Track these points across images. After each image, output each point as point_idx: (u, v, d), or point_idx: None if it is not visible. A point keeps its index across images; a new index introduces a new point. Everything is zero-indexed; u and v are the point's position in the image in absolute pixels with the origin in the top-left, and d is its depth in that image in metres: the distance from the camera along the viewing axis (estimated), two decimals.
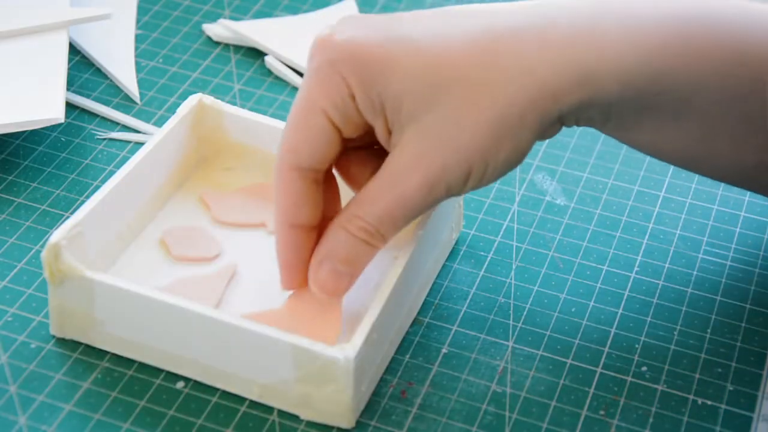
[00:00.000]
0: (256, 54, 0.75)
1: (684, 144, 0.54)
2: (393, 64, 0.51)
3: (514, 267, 0.62)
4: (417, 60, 0.51)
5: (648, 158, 0.69)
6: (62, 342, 0.57)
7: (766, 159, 0.54)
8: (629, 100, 0.52)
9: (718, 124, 0.53)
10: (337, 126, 0.52)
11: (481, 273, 0.61)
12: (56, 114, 0.65)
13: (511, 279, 0.61)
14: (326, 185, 0.55)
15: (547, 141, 0.69)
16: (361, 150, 0.55)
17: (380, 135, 0.53)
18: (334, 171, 0.56)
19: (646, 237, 0.64)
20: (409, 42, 0.52)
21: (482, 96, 0.51)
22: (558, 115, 0.52)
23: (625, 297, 0.60)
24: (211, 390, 0.55)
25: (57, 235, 0.54)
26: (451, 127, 0.51)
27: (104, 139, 0.69)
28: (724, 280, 0.61)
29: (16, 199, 0.64)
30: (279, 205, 0.54)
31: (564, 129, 0.69)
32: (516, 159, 0.53)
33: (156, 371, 0.55)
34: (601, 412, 0.55)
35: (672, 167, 0.68)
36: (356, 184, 0.55)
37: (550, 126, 0.53)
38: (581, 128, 0.70)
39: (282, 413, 0.54)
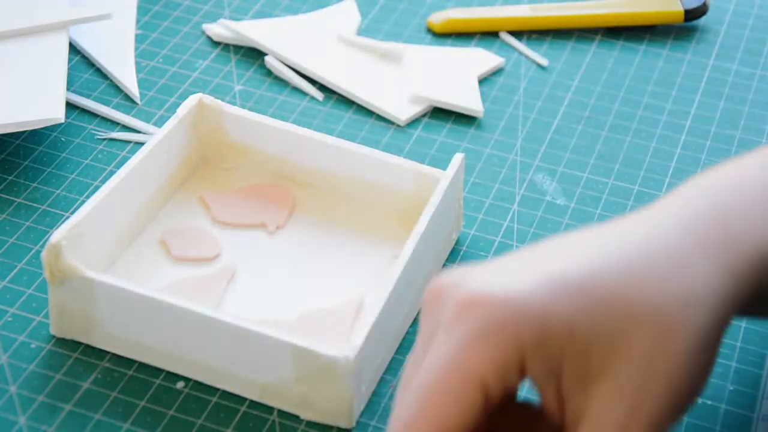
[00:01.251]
0: (256, 54, 0.75)
1: None
2: (571, 314, 0.43)
3: None
4: (592, 297, 0.43)
5: (648, 158, 0.69)
6: (62, 342, 0.57)
7: None
8: None
9: None
10: (487, 395, 0.43)
11: None
12: (56, 114, 0.65)
13: None
14: None
15: (547, 141, 0.69)
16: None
17: (548, 399, 0.44)
18: None
19: None
20: (570, 277, 0.43)
21: (680, 319, 0.43)
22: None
23: None
24: (211, 390, 0.55)
25: (57, 235, 0.54)
26: (657, 365, 0.43)
27: (104, 139, 0.69)
28: None
29: (16, 199, 0.64)
30: (417, 419, 0.43)
31: (564, 128, 0.69)
32: (712, 368, 0.46)
33: (156, 371, 0.55)
34: None
35: (671, 168, 0.68)
36: None
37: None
38: (582, 128, 0.70)
39: (282, 413, 0.54)
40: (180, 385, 0.55)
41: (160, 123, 0.69)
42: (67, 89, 0.71)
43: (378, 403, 0.55)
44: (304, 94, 0.72)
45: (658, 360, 0.42)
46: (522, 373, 0.43)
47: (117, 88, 0.72)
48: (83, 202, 0.63)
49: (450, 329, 0.43)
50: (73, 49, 0.75)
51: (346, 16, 0.78)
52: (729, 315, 0.44)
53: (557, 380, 0.43)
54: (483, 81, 0.74)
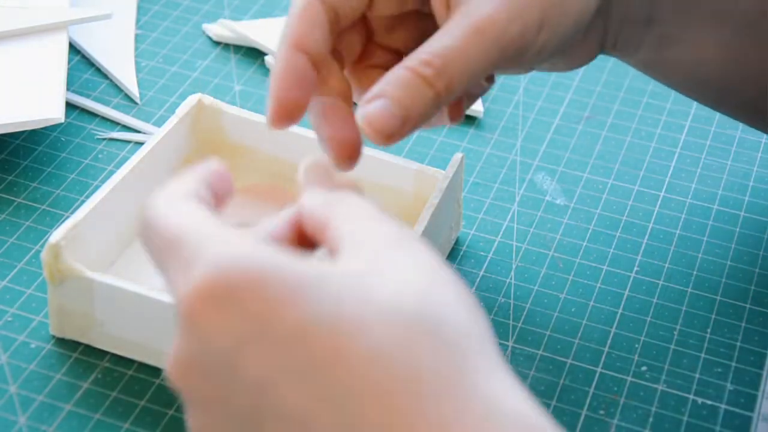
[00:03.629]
0: (256, 54, 0.75)
1: (721, 57, 0.54)
2: None
3: (514, 267, 0.62)
4: None
5: (648, 158, 0.69)
6: (62, 342, 0.57)
7: None
8: None
9: (753, 32, 0.53)
10: (339, 15, 0.49)
11: (481, 273, 0.61)
12: (56, 114, 0.65)
13: (511, 279, 0.61)
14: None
15: (547, 141, 0.69)
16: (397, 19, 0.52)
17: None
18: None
19: (646, 237, 0.64)
20: None
21: None
22: None
23: (625, 297, 0.60)
24: None
25: (57, 235, 0.54)
26: None
27: (104, 139, 0.69)
28: (724, 280, 0.61)
29: (16, 199, 0.64)
30: (286, 29, 0.49)
31: (564, 129, 0.69)
32: (583, 19, 0.51)
33: (156, 371, 0.55)
34: (601, 412, 0.55)
35: (672, 167, 0.68)
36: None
37: (602, 13, 0.52)
38: (582, 128, 0.70)
39: None
40: None
41: (159, 123, 0.69)
42: (67, 89, 0.71)
43: None
44: None
45: None
46: None
47: (117, 88, 0.72)
48: (83, 202, 0.63)
49: None
50: (73, 49, 0.75)
51: None
52: None
53: None
54: None
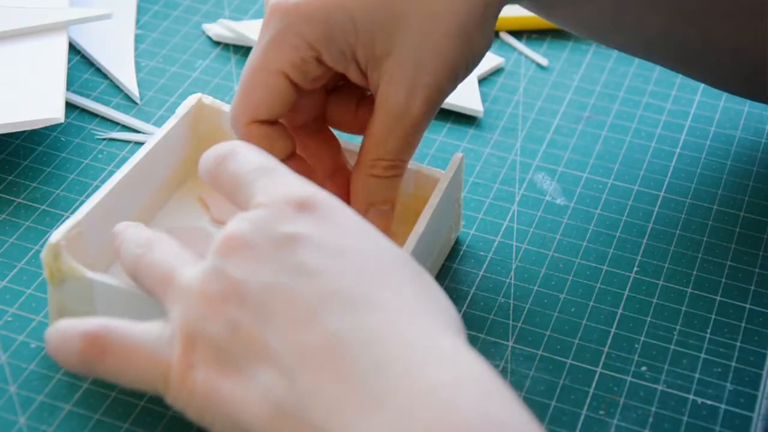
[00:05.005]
0: None
1: (598, 19, 0.61)
2: (352, 13, 0.54)
3: (514, 267, 0.62)
4: (370, 2, 0.54)
5: (648, 158, 0.69)
6: None
7: (669, 29, 0.61)
8: None
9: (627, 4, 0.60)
10: (295, 83, 0.55)
11: (481, 273, 0.61)
12: (56, 114, 0.65)
13: (511, 279, 0.61)
14: (323, 136, 0.59)
15: (547, 141, 0.69)
16: (334, 94, 0.59)
17: (355, 77, 0.56)
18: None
19: (646, 237, 0.64)
20: None
21: (443, 10, 0.54)
22: None
23: (625, 297, 0.60)
24: None
25: (57, 235, 0.54)
26: (428, 46, 0.54)
27: (104, 139, 0.69)
28: (724, 280, 0.61)
29: (16, 199, 0.64)
30: (238, 105, 0.57)
31: (564, 128, 0.69)
32: (489, 44, 0.56)
33: None
34: (601, 412, 0.55)
35: (671, 168, 0.68)
36: (343, 125, 0.59)
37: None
38: (582, 128, 0.70)
39: None
40: None
41: (159, 123, 0.69)
42: (67, 89, 0.71)
43: None
44: None
45: (428, 39, 0.54)
46: (322, 64, 0.55)
47: (117, 88, 0.72)
48: (83, 202, 0.63)
49: (261, 33, 0.56)
50: (73, 49, 0.75)
51: None
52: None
53: (356, 66, 0.55)
54: (483, 81, 0.74)
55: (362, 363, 0.43)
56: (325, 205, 0.48)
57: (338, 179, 0.59)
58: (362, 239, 0.47)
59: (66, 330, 0.49)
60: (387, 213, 0.57)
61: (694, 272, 0.62)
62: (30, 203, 0.64)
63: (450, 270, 0.61)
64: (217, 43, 0.76)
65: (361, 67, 0.55)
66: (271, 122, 0.56)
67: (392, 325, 0.44)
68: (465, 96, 0.71)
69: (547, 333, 0.58)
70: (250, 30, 0.75)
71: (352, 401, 0.43)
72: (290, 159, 0.57)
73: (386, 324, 0.44)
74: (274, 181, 0.49)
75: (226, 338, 0.46)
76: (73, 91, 0.72)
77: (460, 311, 0.59)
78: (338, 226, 0.47)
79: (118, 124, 0.70)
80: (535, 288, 0.61)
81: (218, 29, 0.76)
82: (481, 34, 0.55)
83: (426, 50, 0.54)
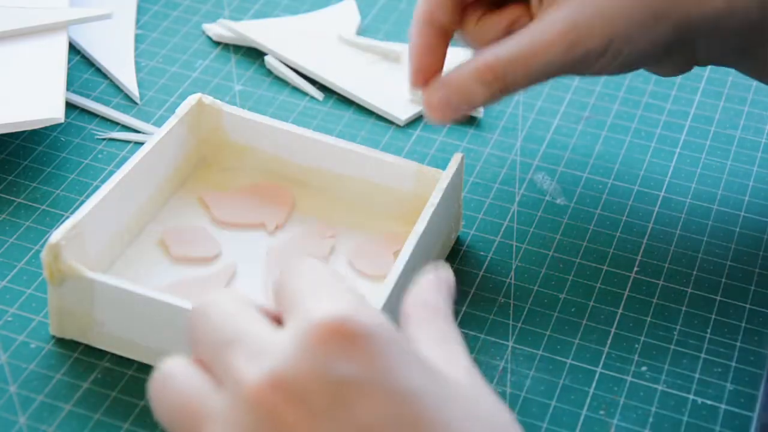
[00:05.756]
0: (256, 54, 0.75)
1: None
2: None
3: (514, 267, 0.62)
4: None
5: (648, 158, 0.69)
6: (62, 342, 0.57)
7: None
8: None
9: None
10: None
11: (481, 273, 0.61)
12: (56, 114, 0.65)
13: (511, 279, 0.61)
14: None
15: (547, 141, 0.69)
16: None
17: None
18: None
19: (646, 237, 0.64)
20: None
21: None
22: (694, 26, 0.55)
23: (625, 297, 0.60)
24: None
25: (57, 235, 0.54)
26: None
27: (104, 139, 0.69)
28: (724, 280, 0.61)
29: (16, 199, 0.64)
30: (418, 7, 0.58)
31: (564, 129, 0.69)
32: (652, 54, 0.56)
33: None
34: (601, 412, 0.55)
35: (671, 168, 0.68)
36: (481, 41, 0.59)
37: (684, 44, 0.55)
38: (582, 128, 0.70)
39: None
40: None
41: (160, 123, 0.69)
42: (67, 89, 0.71)
43: None
44: (304, 94, 0.72)
45: None
46: None
47: (117, 88, 0.72)
48: (83, 202, 0.63)
49: None
50: (73, 49, 0.75)
51: (346, 16, 0.78)
52: (681, 18, 0.54)
53: None
54: None
55: None
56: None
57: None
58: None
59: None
60: (451, 105, 0.56)
61: (694, 272, 0.62)
62: (30, 203, 0.64)
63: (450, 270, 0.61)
64: (217, 43, 0.76)
65: None
66: (446, 29, 0.58)
67: None
68: None
69: (547, 333, 0.58)
70: (250, 30, 0.75)
71: None
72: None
73: None
74: (296, 308, 0.42)
75: None
76: (73, 91, 0.72)
77: (460, 311, 0.59)
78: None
79: (118, 124, 0.70)
80: (535, 288, 0.61)
81: (218, 29, 0.76)
82: (651, 28, 0.55)
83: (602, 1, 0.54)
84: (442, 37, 0.58)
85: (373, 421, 0.38)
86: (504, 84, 0.55)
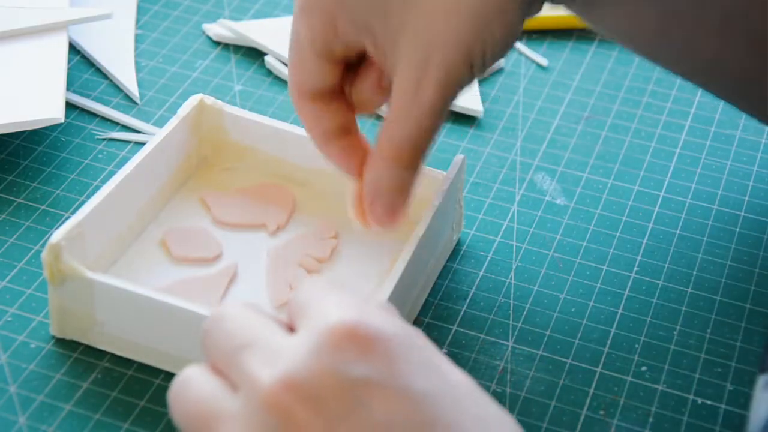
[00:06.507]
0: (256, 54, 0.75)
1: (639, 29, 0.56)
2: None
3: (514, 267, 0.62)
4: None
5: (648, 158, 0.69)
6: (62, 342, 0.57)
7: (720, 56, 0.55)
8: None
9: (675, 16, 0.55)
10: (324, 54, 0.53)
11: (481, 273, 0.61)
12: (56, 114, 0.65)
13: (511, 279, 0.61)
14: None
15: (547, 141, 0.69)
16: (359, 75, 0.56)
17: (372, 52, 0.53)
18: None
19: (646, 237, 0.64)
20: None
21: None
22: None
23: (625, 297, 0.60)
24: None
25: (57, 236, 0.54)
26: (439, 22, 0.50)
27: (104, 139, 0.69)
28: (724, 280, 0.61)
29: (16, 199, 0.64)
30: (288, 79, 0.55)
31: (564, 128, 0.69)
32: (511, 36, 0.52)
33: (156, 371, 0.55)
34: (601, 412, 0.55)
35: (671, 168, 0.68)
36: (365, 107, 0.56)
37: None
38: (582, 128, 0.70)
39: None
40: None
41: (160, 123, 0.69)
42: (67, 89, 0.71)
43: None
44: None
45: (440, 14, 0.50)
46: (338, 36, 0.52)
47: (117, 88, 0.72)
48: (83, 202, 0.63)
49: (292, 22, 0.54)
50: (73, 49, 0.75)
51: None
52: None
53: (373, 41, 0.51)
54: (483, 81, 0.74)
55: None
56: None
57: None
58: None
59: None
60: (396, 206, 0.53)
61: (694, 272, 0.62)
62: (30, 203, 0.64)
63: (450, 270, 0.61)
64: (217, 43, 0.76)
65: (379, 41, 0.51)
66: (326, 94, 0.54)
67: None
68: (465, 96, 0.71)
69: (547, 333, 0.58)
70: (250, 30, 0.75)
71: None
72: (345, 136, 0.55)
73: None
74: (308, 314, 0.43)
75: None
76: (73, 91, 0.72)
77: (460, 311, 0.59)
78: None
79: (118, 124, 0.70)
80: (535, 288, 0.61)
81: (218, 29, 0.76)
82: (499, 19, 0.51)
83: (438, 25, 0.50)
84: (332, 102, 0.55)
85: (388, 420, 0.38)
86: (419, 156, 0.52)
